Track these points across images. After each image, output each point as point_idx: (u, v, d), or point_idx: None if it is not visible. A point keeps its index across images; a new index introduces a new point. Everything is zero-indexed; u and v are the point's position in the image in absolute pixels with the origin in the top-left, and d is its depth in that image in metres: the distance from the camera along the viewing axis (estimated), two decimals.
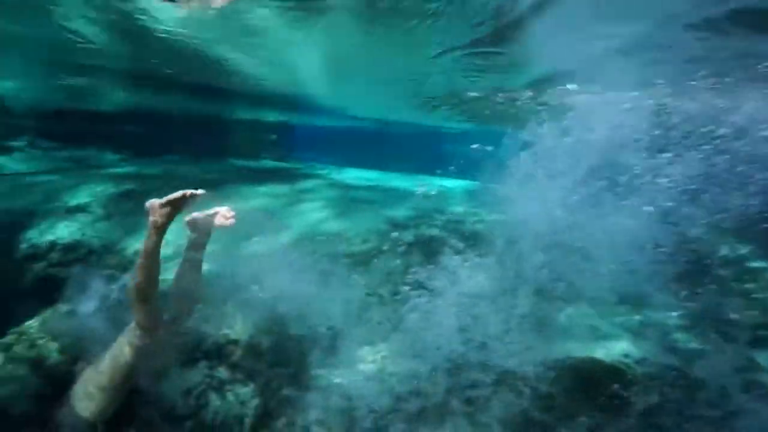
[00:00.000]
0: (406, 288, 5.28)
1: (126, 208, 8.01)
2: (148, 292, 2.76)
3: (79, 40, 7.74)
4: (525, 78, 8.11)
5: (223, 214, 3.16)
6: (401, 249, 6.57)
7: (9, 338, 4.21)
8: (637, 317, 5.45)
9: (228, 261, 5.29)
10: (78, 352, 3.82)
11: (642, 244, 5.49)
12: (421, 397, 3.68)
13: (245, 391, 3.90)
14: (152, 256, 2.70)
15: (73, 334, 4.06)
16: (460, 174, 14.45)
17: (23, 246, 6.72)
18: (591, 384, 4.22)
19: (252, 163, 12.61)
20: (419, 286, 5.40)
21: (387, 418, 3.44)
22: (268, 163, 13.64)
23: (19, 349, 4.05)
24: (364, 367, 3.95)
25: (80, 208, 7.90)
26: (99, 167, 11.20)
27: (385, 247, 6.37)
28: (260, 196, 6.89)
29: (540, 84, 8.42)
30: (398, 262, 6.01)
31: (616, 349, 4.74)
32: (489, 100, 10.87)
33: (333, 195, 9.48)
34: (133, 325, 2.91)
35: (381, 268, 5.53)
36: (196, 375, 3.99)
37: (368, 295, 4.93)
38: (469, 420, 3.53)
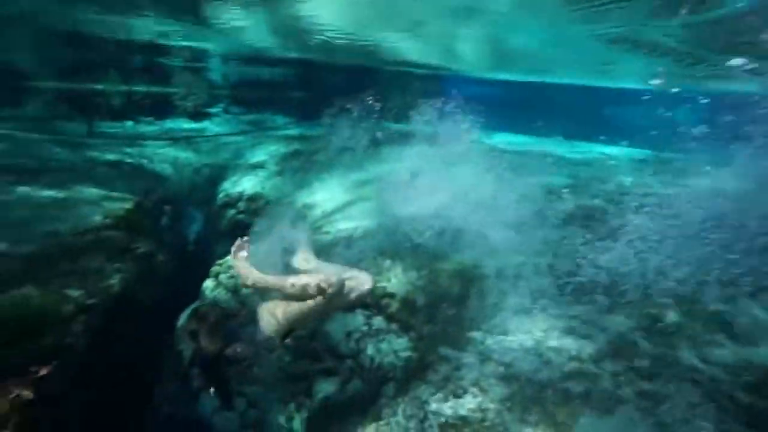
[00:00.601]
0: (565, 260, 4.84)
1: (294, 165, 9.04)
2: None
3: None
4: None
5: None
6: (559, 218, 6.05)
7: (215, 269, 5.17)
8: None
9: (385, 219, 5.55)
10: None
11: None
12: (585, 378, 3.37)
13: (400, 342, 4.10)
14: (264, 285, 3.12)
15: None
16: (627, 141, 12.65)
17: (220, 195, 8.14)
18: None
19: (404, 127, 12.92)
20: (578, 259, 4.91)
21: (547, 393, 3.24)
22: (418, 127, 13.79)
23: (222, 278, 4.95)
24: (522, 337, 3.77)
25: (259, 165, 9.18)
26: (273, 129, 12.84)
27: (540, 216, 5.93)
28: (412, 158, 6.99)
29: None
30: (556, 232, 5.55)
31: None
32: (671, 51, 8.86)
33: (484, 159, 9.14)
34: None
35: (537, 237, 5.16)
36: (356, 320, 4.33)
37: (524, 264, 4.66)
38: (644, 414, 3.11)
